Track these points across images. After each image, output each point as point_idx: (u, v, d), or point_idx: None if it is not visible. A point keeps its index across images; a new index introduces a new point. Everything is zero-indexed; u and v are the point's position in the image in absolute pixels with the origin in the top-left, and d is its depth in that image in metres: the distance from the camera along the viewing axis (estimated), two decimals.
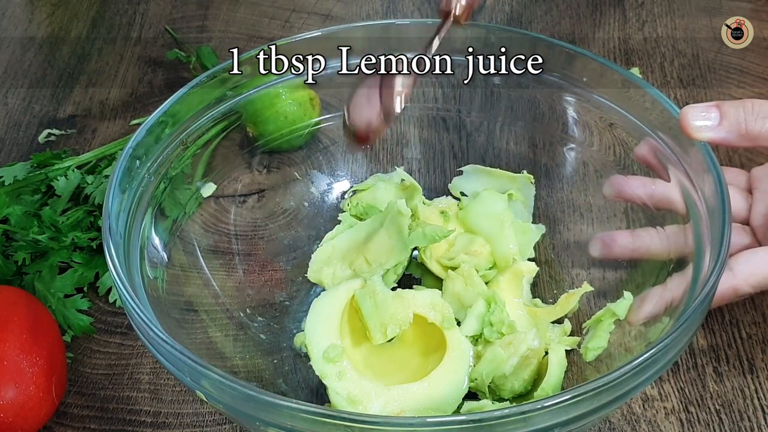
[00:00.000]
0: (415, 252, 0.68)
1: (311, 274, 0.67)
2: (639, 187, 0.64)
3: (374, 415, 0.56)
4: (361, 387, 0.58)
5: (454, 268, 0.67)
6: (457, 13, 0.61)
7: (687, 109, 0.58)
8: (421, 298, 0.63)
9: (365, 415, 0.51)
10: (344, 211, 0.72)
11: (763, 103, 0.58)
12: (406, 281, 0.69)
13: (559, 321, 0.65)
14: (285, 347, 0.66)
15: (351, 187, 0.74)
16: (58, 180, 0.75)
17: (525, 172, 0.72)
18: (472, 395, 0.61)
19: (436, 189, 0.73)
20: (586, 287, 0.65)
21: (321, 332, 0.60)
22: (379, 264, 0.66)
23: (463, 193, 0.73)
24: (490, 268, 0.67)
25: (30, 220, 0.72)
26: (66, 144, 0.87)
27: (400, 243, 0.66)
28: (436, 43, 0.60)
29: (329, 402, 0.59)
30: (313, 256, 0.68)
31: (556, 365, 0.60)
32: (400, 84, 0.59)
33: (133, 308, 0.51)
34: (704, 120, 0.57)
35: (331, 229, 0.70)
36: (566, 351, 0.62)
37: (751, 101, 0.58)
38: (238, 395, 0.47)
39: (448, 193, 0.73)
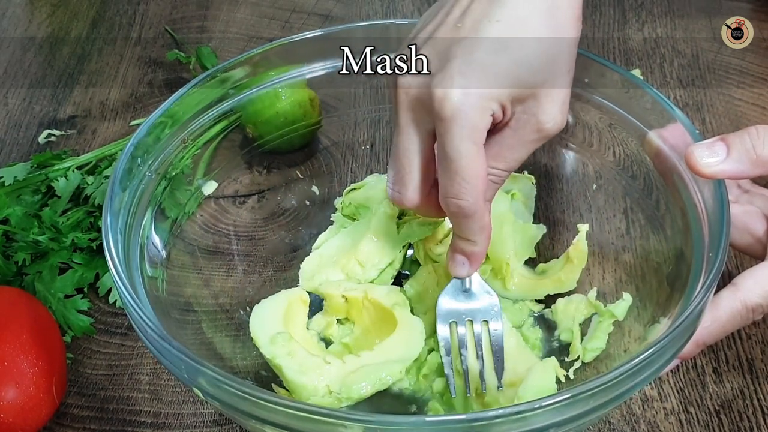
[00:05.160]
0: (410, 251, 0.69)
1: (304, 284, 0.68)
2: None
3: (371, 413, 0.56)
4: (313, 360, 0.59)
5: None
6: None
7: (691, 149, 0.56)
8: (378, 289, 0.65)
9: (362, 413, 0.51)
10: (337, 210, 0.72)
11: (767, 127, 0.56)
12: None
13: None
14: None
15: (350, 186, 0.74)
16: (58, 180, 0.75)
17: (526, 172, 0.72)
18: None
19: None
20: (582, 228, 0.65)
21: (265, 325, 0.61)
22: (372, 265, 0.66)
23: None
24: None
25: (30, 220, 0.72)
26: (66, 144, 0.87)
27: (389, 242, 0.66)
28: None
29: (284, 389, 0.60)
30: (301, 266, 0.69)
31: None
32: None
33: (131, 304, 0.51)
34: (712, 155, 0.55)
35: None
36: (562, 360, 0.62)
37: (755, 127, 0.56)
38: (234, 393, 0.47)
39: None
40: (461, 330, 0.61)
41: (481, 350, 0.60)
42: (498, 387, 0.59)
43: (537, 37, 0.53)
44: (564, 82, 0.55)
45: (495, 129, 0.55)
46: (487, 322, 0.62)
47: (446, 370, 0.60)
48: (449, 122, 0.52)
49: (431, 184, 0.58)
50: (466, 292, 0.62)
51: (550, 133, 0.56)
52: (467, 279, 0.62)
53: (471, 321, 0.62)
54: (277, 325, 0.61)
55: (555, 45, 0.54)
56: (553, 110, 0.55)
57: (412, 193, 0.57)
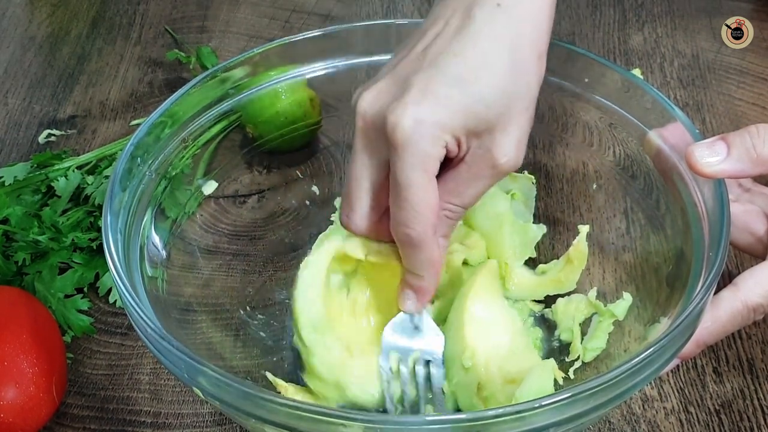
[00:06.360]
0: None
1: None
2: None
3: (370, 413, 0.56)
4: (342, 360, 0.58)
5: None
6: None
7: (692, 148, 0.55)
8: None
9: (362, 413, 0.51)
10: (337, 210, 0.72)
11: (767, 126, 0.56)
12: None
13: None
14: (285, 345, 0.66)
15: None
16: (58, 180, 0.75)
17: (526, 172, 0.72)
18: None
19: None
20: (583, 229, 0.65)
21: (308, 300, 0.60)
22: None
23: None
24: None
25: (30, 220, 0.72)
26: (66, 144, 0.87)
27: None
28: None
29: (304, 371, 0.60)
30: (302, 265, 0.68)
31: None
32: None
33: (131, 304, 0.51)
34: (712, 155, 0.55)
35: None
36: (562, 359, 0.62)
37: (755, 126, 0.56)
38: (234, 392, 0.47)
39: None
40: (404, 368, 0.60)
41: (422, 391, 0.59)
42: None
43: (495, 74, 0.53)
44: (521, 119, 0.55)
45: (451, 164, 0.55)
46: (429, 362, 0.60)
47: (388, 405, 0.59)
48: (401, 149, 0.52)
49: (382, 212, 0.57)
50: (415, 328, 0.60)
51: (504, 169, 0.55)
52: (416, 315, 0.60)
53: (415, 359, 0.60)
54: (318, 293, 0.60)
55: (513, 83, 0.53)
56: (508, 147, 0.54)
57: (360, 219, 0.57)
